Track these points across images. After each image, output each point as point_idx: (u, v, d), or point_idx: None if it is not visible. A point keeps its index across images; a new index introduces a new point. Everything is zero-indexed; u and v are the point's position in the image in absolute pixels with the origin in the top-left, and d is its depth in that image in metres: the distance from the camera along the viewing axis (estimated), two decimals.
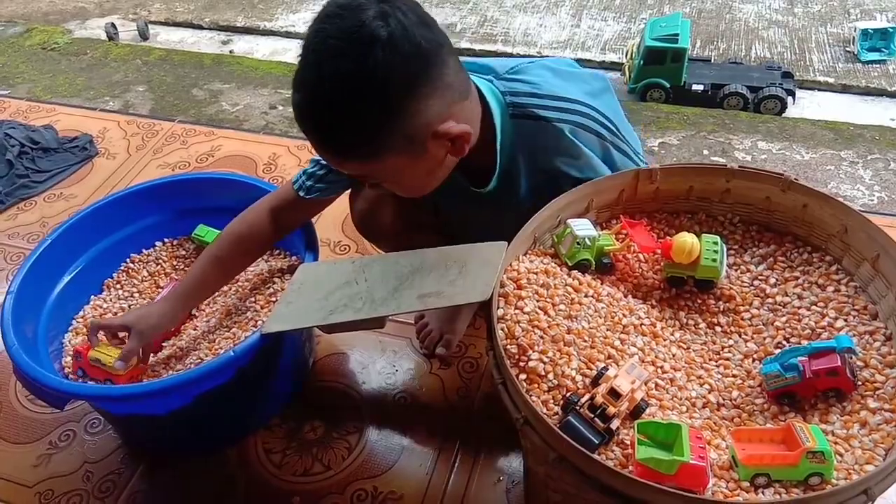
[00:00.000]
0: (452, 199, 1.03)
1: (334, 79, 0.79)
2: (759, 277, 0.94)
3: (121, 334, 1.09)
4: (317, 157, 1.07)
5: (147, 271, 1.33)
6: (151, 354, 1.18)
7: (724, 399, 0.84)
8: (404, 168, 0.88)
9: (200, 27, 2.76)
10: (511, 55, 2.57)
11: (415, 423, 1.16)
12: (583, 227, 0.91)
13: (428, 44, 0.81)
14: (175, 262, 1.35)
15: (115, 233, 1.32)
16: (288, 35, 2.66)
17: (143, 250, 1.36)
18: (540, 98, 0.94)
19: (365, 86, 0.79)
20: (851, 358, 0.80)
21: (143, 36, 2.64)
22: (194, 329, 1.21)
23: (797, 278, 0.92)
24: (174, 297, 1.12)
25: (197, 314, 1.26)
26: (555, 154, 0.95)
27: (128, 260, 1.33)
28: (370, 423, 1.17)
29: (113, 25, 2.60)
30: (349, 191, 1.15)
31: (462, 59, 0.93)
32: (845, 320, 0.86)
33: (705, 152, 1.72)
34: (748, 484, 0.71)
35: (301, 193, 1.08)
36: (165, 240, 1.37)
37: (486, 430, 1.14)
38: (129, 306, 1.28)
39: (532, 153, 0.96)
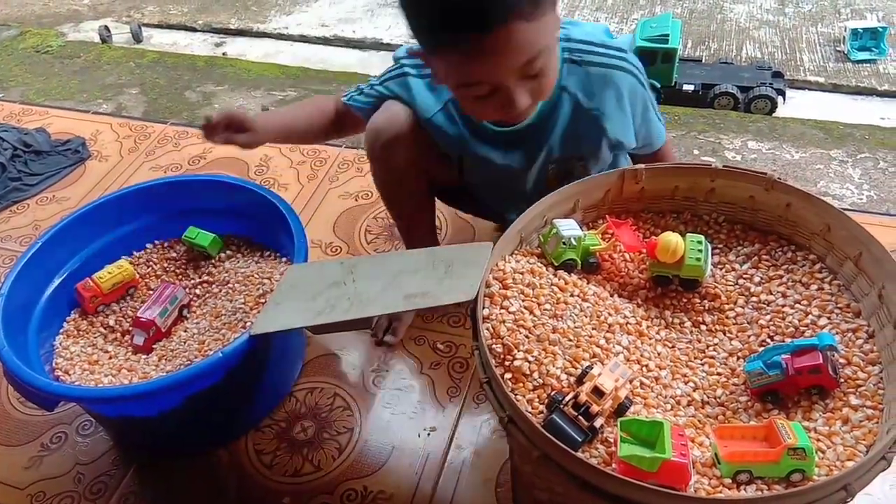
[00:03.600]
0: (484, 142, 1.09)
1: None
2: (744, 276, 0.95)
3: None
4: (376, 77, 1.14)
5: (138, 273, 1.33)
6: (143, 355, 1.19)
7: (708, 397, 0.84)
8: (553, 33, 0.89)
9: (194, 29, 2.76)
10: None
11: (405, 424, 1.17)
12: (568, 227, 0.92)
13: None
14: (166, 264, 1.35)
15: (107, 235, 1.32)
16: (281, 37, 2.66)
17: (135, 252, 1.36)
18: (593, 46, 1.02)
19: None
20: (834, 355, 0.81)
21: (137, 38, 2.64)
22: (184, 331, 1.21)
23: (781, 277, 0.93)
24: (278, 125, 1.18)
25: (188, 316, 1.26)
26: (599, 102, 1.03)
27: (119, 262, 1.34)
28: (360, 423, 1.18)
29: (106, 28, 2.60)
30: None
31: None
32: (828, 318, 0.86)
33: (696, 152, 1.73)
34: (730, 481, 0.72)
35: (343, 98, 1.18)
36: (157, 241, 1.37)
37: (476, 430, 1.14)
38: (121, 308, 1.28)
39: (577, 99, 1.03)
